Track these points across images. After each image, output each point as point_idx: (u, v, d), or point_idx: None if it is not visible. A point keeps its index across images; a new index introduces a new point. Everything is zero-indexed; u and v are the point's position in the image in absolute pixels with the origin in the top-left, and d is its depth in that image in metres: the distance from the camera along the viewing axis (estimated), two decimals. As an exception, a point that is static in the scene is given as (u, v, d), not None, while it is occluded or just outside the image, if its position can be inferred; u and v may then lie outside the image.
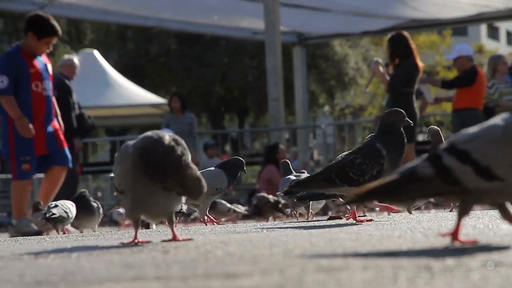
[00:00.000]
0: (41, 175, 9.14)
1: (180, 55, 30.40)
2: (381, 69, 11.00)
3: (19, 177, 8.58)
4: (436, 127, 5.34)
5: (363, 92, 34.54)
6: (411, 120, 4.44)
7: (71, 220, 6.30)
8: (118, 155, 3.25)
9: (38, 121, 8.58)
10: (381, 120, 4.43)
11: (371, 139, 4.40)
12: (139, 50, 31.46)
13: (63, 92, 11.28)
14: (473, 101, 11.71)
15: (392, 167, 4.20)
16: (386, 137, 4.33)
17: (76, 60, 11.75)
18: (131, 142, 3.22)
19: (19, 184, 8.58)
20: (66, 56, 12.13)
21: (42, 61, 8.72)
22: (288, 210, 7.64)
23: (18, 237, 5.64)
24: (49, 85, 8.65)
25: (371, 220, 4.47)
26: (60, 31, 8.79)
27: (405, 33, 11.03)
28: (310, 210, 5.85)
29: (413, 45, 10.94)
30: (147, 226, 6.97)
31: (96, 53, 20.68)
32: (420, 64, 10.90)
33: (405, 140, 4.39)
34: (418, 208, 5.84)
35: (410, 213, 5.68)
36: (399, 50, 10.85)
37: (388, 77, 10.87)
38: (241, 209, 9.02)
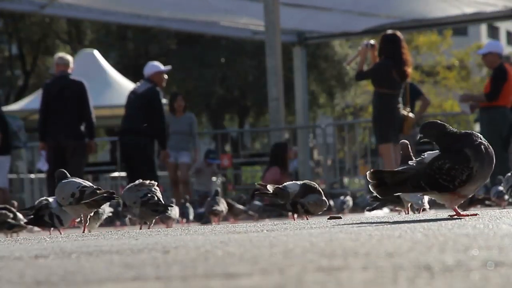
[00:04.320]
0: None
1: (180, 55, 30.37)
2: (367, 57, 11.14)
3: None
4: (406, 141, 5.11)
5: (363, 92, 34.52)
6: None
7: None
8: None
9: None
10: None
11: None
12: (139, 50, 31.43)
13: (85, 92, 11.31)
14: (502, 99, 11.62)
15: (482, 169, 4.01)
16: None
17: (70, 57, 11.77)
18: None
19: None
20: (61, 54, 12.06)
21: None
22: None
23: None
24: None
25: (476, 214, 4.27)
26: None
27: (399, 35, 11.06)
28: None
29: (404, 50, 10.96)
30: None
31: (96, 53, 20.67)
32: (408, 70, 10.95)
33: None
34: (417, 209, 5.84)
35: (414, 213, 5.65)
36: (383, 50, 10.97)
37: (365, 66, 11.04)
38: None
